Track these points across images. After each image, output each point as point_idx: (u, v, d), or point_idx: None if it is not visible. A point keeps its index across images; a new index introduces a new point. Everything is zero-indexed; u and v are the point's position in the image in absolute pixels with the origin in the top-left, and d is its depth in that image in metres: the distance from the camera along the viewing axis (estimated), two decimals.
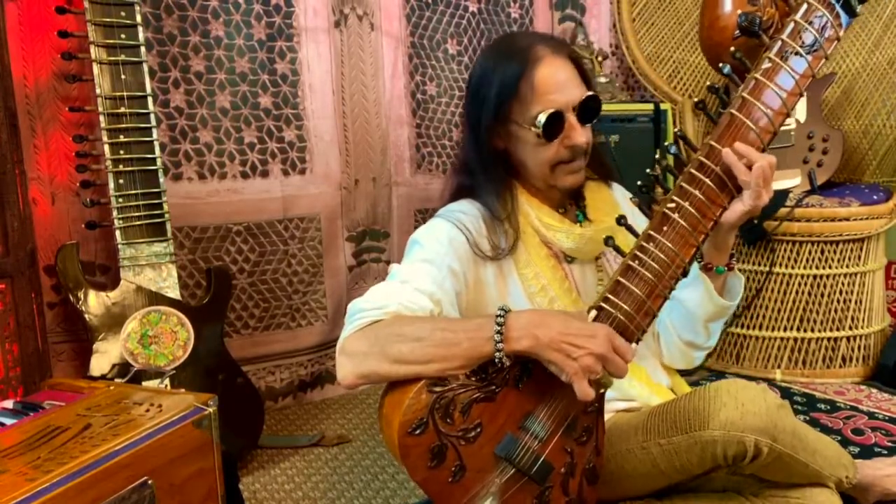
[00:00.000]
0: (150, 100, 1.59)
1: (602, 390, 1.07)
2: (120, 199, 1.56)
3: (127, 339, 1.56)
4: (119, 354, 1.56)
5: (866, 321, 2.12)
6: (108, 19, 1.54)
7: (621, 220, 1.09)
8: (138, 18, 1.57)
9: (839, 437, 1.74)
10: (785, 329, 2.12)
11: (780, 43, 1.07)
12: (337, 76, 2.11)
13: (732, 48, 1.08)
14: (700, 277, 1.21)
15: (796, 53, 1.06)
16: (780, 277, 2.10)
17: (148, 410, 1.15)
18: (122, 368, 1.55)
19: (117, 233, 1.56)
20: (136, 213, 1.58)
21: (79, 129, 1.70)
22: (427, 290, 1.12)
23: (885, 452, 1.67)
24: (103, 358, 1.55)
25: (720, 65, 1.11)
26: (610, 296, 1.06)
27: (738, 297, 1.25)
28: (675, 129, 1.73)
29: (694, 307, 1.25)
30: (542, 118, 1.18)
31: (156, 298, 1.60)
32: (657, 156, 1.10)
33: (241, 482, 1.66)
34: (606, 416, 1.17)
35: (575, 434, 1.09)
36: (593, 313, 1.06)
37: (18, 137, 1.60)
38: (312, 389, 2.17)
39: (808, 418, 1.85)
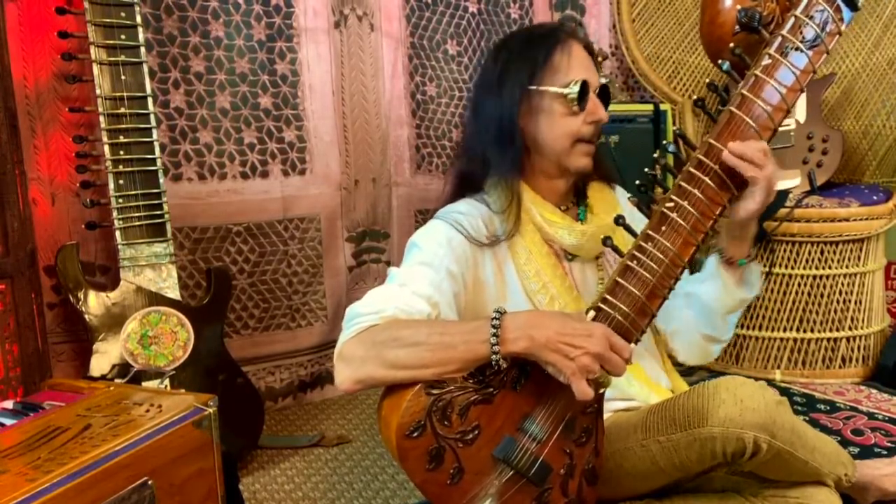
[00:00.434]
0: (150, 100, 1.59)
1: (601, 390, 1.07)
2: (120, 200, 1.56)
3: (127, 340, 1.56)
4: (119, 355, 1.56)
5: (866, 322, 2.12)
6: (108, 20, 1.55)
7: (619, 220, 1.09)
8: (138, 19, 1.57)
9: (839, 438, 1.73)
10: (784, 329, 2.12)
11: (780, 38, 1.05)
12: (337, 77, 2.11)
13: (732, 44, 1.07)
14: (718, 271, 1.21)
15: (797, 49, 1.05)
16: (780, 278, 2.10)
17: (148, 411, 1.15)
18: (122, 369, 1.55)
19: (117, 233, 1.57)
20: (136, 214, 1.58)
21: (79, 129, 1.70)
22: (425, 294, 1.12)
23: (885, 453, 1.67)
24: (103, 358, 1.55)
25: (719, 62, 1.10)
26: (608, 296, 1.05)
27: (757, 288, 1.25)
28: (675, 128, 1.72)
29: (712, 301, 1.25)
30: (576, 84, 1.22)
31: (156, 299, 1.60)
32: (656, 155, 1.10)
33: (241, 482, 1.66)
34: (606, 416, 1.17)
35: (574, 435, 1.09)
36: (591, 314, 1.06)
37: (18, 138, 1.60)
38: (312, 390, 2.18)
39: (807, 419, 1.85)
